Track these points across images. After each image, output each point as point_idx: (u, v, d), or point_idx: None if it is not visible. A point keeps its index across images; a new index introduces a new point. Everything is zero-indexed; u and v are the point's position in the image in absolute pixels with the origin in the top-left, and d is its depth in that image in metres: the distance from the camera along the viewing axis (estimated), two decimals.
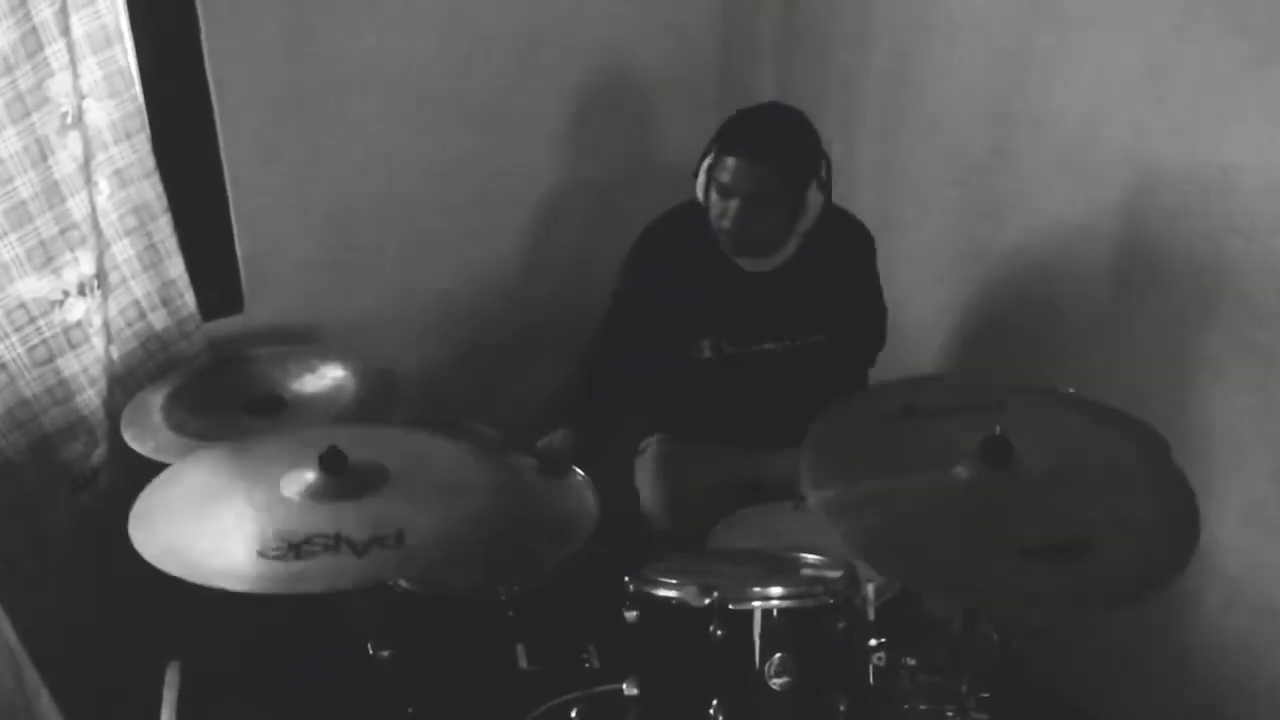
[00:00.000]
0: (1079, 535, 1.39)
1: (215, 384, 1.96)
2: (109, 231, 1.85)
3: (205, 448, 1.65)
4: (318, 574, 1.33)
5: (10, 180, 1.67)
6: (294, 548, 1.36)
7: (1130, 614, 2.13)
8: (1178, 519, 1.45)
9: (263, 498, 1.48)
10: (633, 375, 2.12)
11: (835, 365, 2.13)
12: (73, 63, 1.68)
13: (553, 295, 2.53)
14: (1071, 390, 1.71)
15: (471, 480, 1.56)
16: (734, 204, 1.89)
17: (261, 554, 1.36)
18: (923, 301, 2.33)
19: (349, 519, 1.42)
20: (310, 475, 1.49)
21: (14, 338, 1.76)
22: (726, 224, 1.92)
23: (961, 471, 1.48)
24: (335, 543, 1.37)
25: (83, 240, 1.77)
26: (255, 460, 1.58)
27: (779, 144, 1.89)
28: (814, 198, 1.92)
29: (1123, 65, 1.90)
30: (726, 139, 1.91)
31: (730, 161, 1.88)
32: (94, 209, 1.78)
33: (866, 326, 2.20)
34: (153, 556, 1.38)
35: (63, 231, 1.74)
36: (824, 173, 1.94)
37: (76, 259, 1.77)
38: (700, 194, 1.97)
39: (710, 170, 1.93)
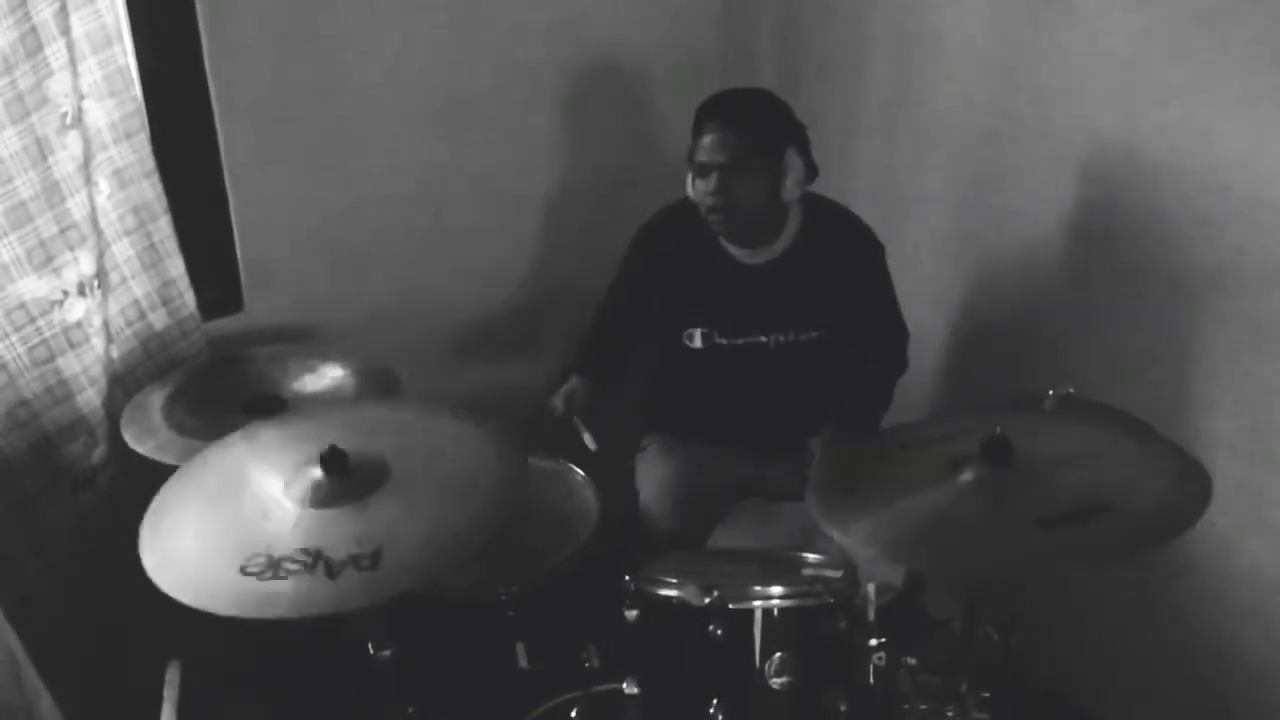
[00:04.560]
0: (1093, 503, 1.40)
1: (215, 384, 1.96)
2: (109, 231, 1.85)
3: (215, 442, 1.64)
4: (288, 598, 1.31)
5: (10, 180, 1.67)
6: (274, 564, 1.35)
7: (1128, 613, 2.13)
8: (1186, 476, 1.46)
9: (264, 499, 1.47)
10: (619, 363, 2.17)
11: (856, 387, 2.12)
12: (72, 62, 1.68)
13: (553, 293, 2.53)
14: (1071, 390, 1.71)
15: (477, 477, 1.52)
16: (713, 178, 1.91)
17: (243, 570, 1.35)
18: (921, 301, 2.33)
19: (335, 530, 1.40)
20: (310, 476, 1.48)
21: (14, 337, 1.75)
22: (710, 200, 1.93)
23: (967, 476, 1.49)
24: (314, 561, 1.35)
25: (83, 240, 1.77)
26: (262, 453, 1.57)
27: (745, 110, 1.93)
28: (793, 161, 1.93)
29: (1122, 65, 1.90)
30: (696, 120, 1.95)
31: (703, 139, 1.92)
32: (94, 209, 1.78)
33: (887, 347, 2.16)
34: (152, 568, 1.38)
35: (62, 231, 1.74)
36: (801, 138, 1.95)
37: (76, 259, 1.77)
38: (689, 188, 1.99)
39: (690, 159, 1.96)
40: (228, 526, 1.44)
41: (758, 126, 1.91)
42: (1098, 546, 1.39)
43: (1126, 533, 1.38)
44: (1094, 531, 1.37)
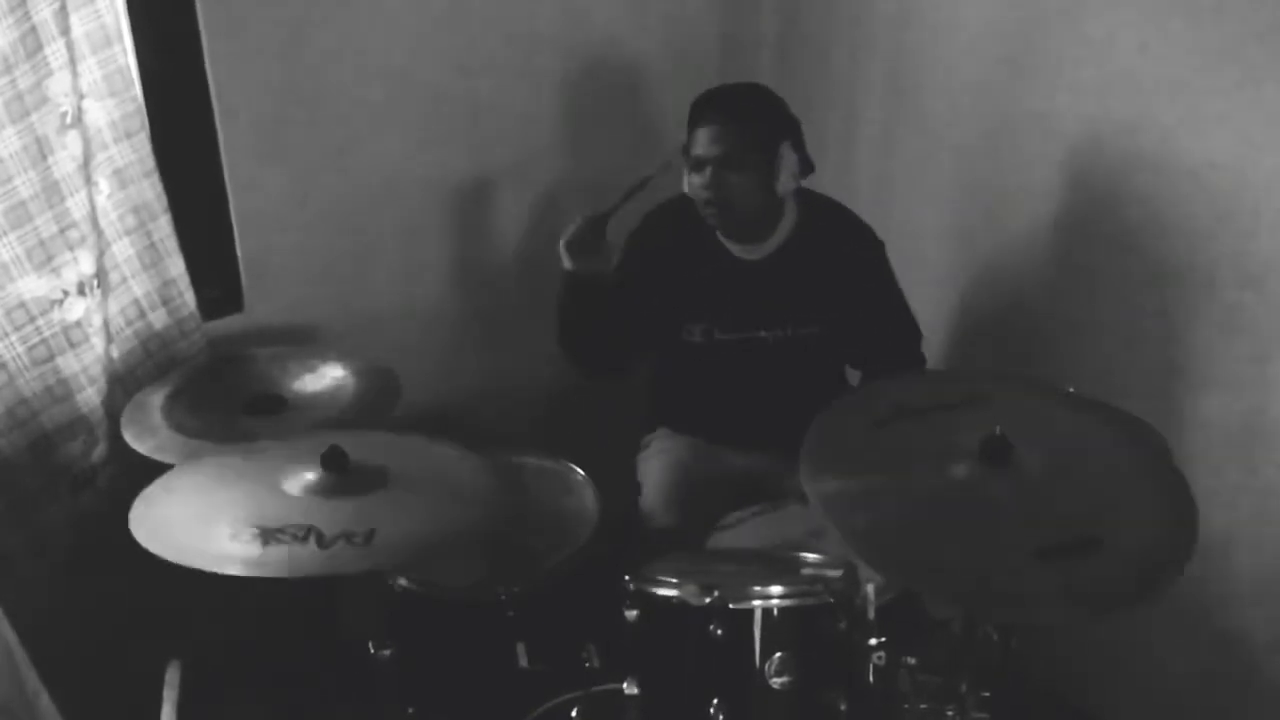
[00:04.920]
0: (1089, 533, 1.39)
1: (215, 384, 1.96)
2: (109, 231, 1.84)
3: (214, 450, 1.65)
4: (277, 560, 1.34)
5: (10, 180, 1.67)
6: (266, 535, 1.37)
7: (1129, 613, 2.13)
8: (1178, 517, 1.44)
9: (261, 490, 1.49)
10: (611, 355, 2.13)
11: (824, 372, 2.12)
12: (72, 62, 1.68)
13: (553, 293, 2.52)
14: (1071, 390, 1.71)
15: (472, 489, 1.55)
16: (708, 172, 1.92)
17: (233, 539, 1.37)
18: (921, 299, 2.33)
19: (329, 514, 1.42)
20: (310, 474, 1.49)
21: (13, 337, 1.75)
22: (705, 194, 1.94)
23: (960, 470, 1.48)
24: (305, 534, 1.37)
25: (82, 240, 1.77)
26: (262, 457, 1.59)
27: (740, 105, 1.94)
28: (788, 156, 1.93)
29: (1121, 64, 1.90)
30: (692, 114, 1.96)
31: (698, 133, 1.93)
32: (94, 208, 1.78)
33: (897, 345, 2.14)
34: (142, 536, 1.40)
35: (62, 231, 1.74)
36: (795, 133, 1.95)
37: (76, 258, 1.77)
38: (685, 183, 1.99)
39: (685, 153, 1.96)
40: (222, 506, 1.46)
41: (752, 121, 1.92)
42: (1083, 591, 1.36)
43: (1112, 581, 1.36)
44: (1082, 572, 1.35)
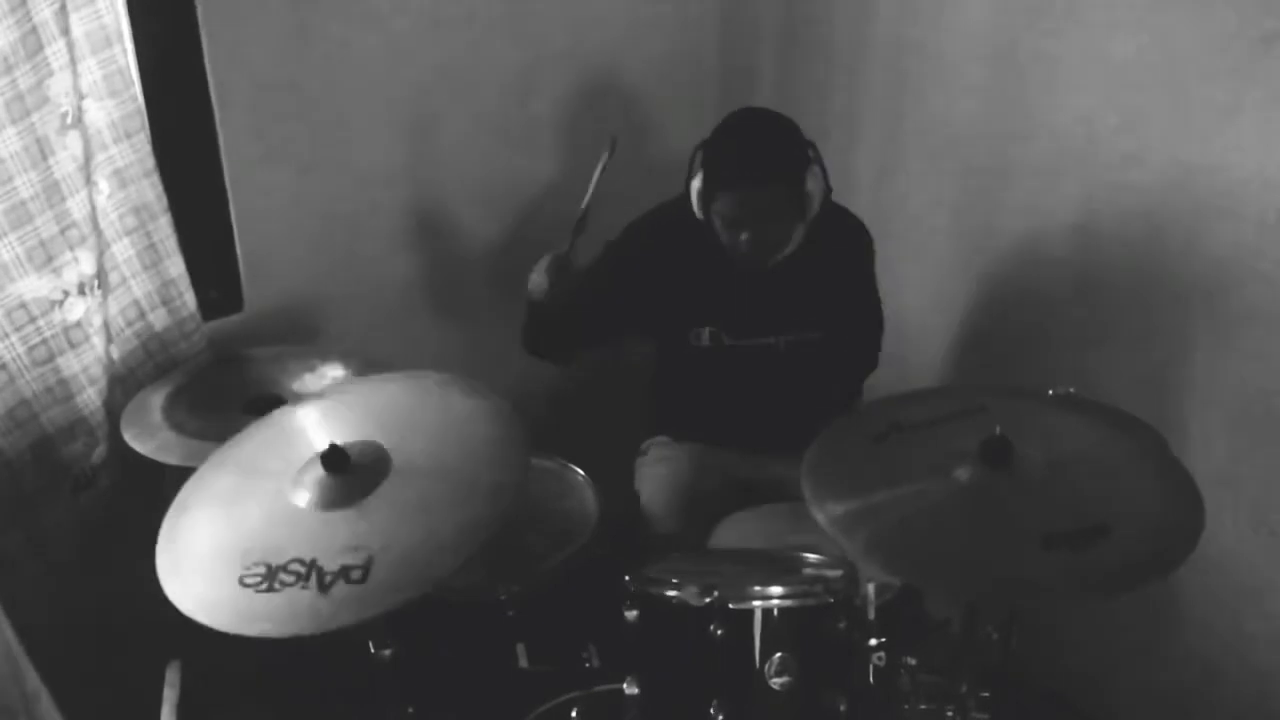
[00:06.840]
0: (1094, 522, 1.40)
1: (215, 384, 1.96)
2: (109, 231, 1.84)
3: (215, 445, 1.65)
4: (282, 615, 1.33)
5: (10, 180, 1.67)
6: (271, 575, 1.36)
7: (1128, 613, 2.13)
8: (1181, 497, 1.46)
9: (269, 500, 1.48)
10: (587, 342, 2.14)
11: (827, 376, 2.12)
12: (72, 62, 1.68)
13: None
14: (1071, 390, 1.72)
15: (478, 473, 1.51)
16: (745, 233, 1.89)
17: (242, 581, 1.36)
18: (922, 301, 2.34)
19: (331, 535, 1.41)
20: (312, 476, 1.48)
21: (14, 337, 1.75)
22: (743, 250, 1.92)
23: (962, 474, 1.49)
24: (307, 572, 1.35)
25: (83, 240, 1.77)
26: (263, 452, 1.58)
27: (770, 161, 1.87)
28: (814, 185, 1.91)
29: (1121, 65, 1.91)
30: (717, 173, 1.89)
31: (729, 196, 1.88)
32: (94, 209, 1.78)
33: (860, 335, 2.16)
34: (163, 572, 1.41)
35: (63, 231, 1.74)
36: (815, 160, 1.93)
37: (76, 258, 1.77)
38: (699, 213, 1.96)
39: (705, 198, 1.92)
40: (235, 529, 1.45)
41: (786, 176, 1.87)
42: (1094, 577, 1.38)
43: (1122, 565, 1.37)
44: (1091, 560, 1.37)
